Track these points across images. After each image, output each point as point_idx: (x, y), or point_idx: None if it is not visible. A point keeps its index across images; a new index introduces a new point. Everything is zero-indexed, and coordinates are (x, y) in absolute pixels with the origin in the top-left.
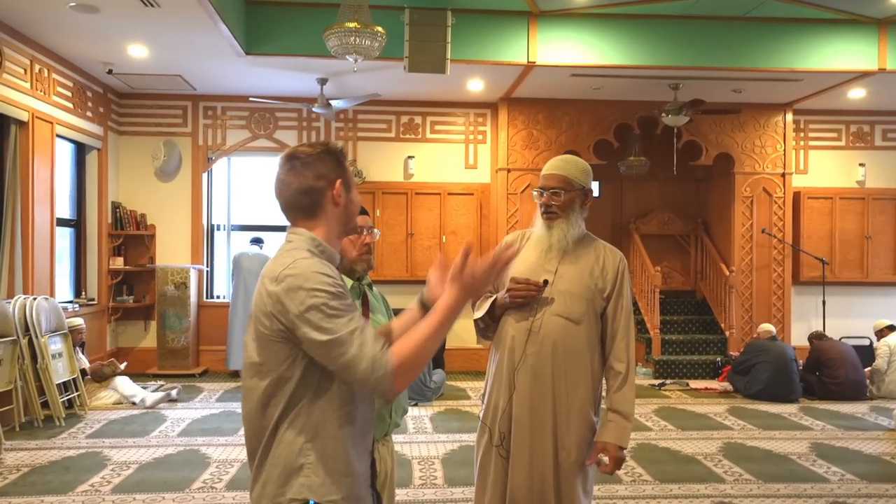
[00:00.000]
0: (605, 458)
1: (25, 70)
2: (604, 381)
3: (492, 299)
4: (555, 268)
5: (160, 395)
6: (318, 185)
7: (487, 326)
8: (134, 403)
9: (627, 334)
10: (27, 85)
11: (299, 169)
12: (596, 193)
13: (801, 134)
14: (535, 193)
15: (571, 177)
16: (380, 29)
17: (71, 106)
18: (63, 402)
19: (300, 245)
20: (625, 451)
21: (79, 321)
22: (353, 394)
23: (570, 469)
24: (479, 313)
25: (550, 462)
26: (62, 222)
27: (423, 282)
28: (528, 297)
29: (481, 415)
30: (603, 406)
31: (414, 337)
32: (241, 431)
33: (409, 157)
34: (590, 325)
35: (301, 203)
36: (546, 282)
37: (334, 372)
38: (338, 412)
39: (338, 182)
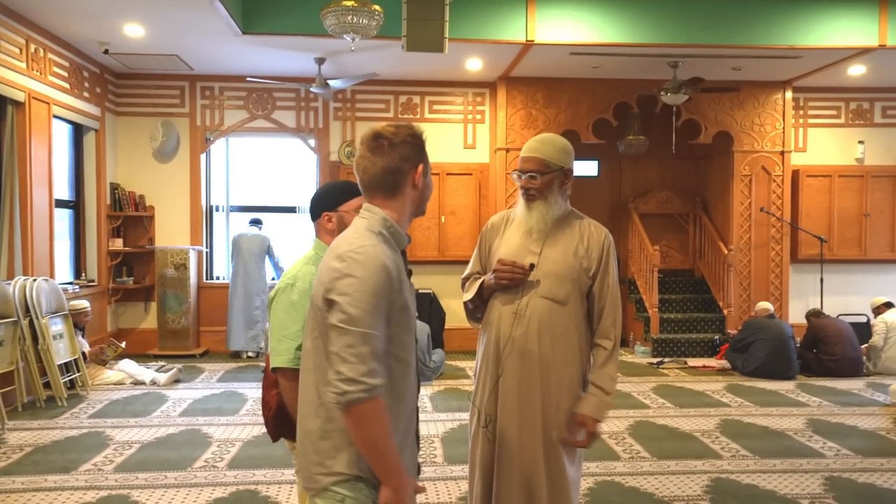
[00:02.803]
0: (582, 432)
1: (21, 50)
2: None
3: (480, 281)
4: (539, 249)
5: (171, 372)
6: (404, 167)
7: (476, 308)
8: (144, 383)
9: (614, 311)
10: (23, 65)
11: (386, 149)
12: (595, 172)
13: (801, 112)
14: (514, 176)
15: (548, 158)
16: (377, 7)
17: (67, 86)
18: (65, 382)
19: (372, 226)
20: (600, 425)
21: (84, 303)
22: (406, 382)
23: (560, 446)
24: (468, 295)
25: (540, 440)
26: (61, 203)
27: (421, 262)
28: (514, 281)
29: (472, 396)
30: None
31: (384, 435)
32: (243, 411)
33: None
34: (576, 304)
35: (385, 182)
36: (532, 265)
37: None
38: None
39: (420, 166)
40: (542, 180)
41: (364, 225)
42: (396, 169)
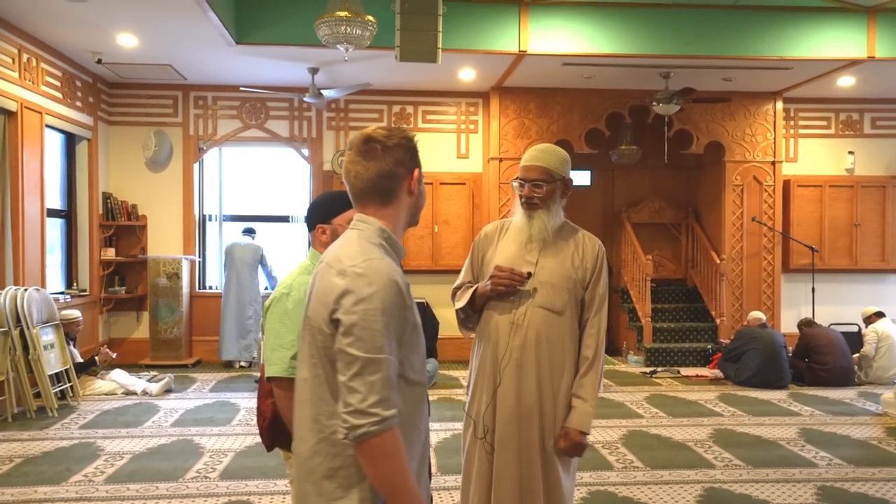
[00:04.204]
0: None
1: (13, 59)
2: None
3: (472, 289)
4: (535, 259)
5: (162, 382)
6: (398, 172)
7: (468, 317)
8: (135, 394)
9: (598, 321)
10: (15, 74)
11: (380, 153)
12: (588, 182)
13: (791, 122)
14: (515, 185)
15: (552, 168)
16: (370, 18)
17: (60, 96)
18: (55, 392)
19: (370, 237)
20: (587, 437)
21: (76, 313)
22: (419, 406)
23: (557, 456)
24: (461, 304)
25: (538, 451)
26: (53, 213)
27: (414, 271)
28: (511, 287)
29: (466, 407)
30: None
31: (401, 470)
32: (235, 421)
33: None
34: (572, 314)
35: (379, 188)
36: (530, 273)
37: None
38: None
39: (416, 171)
40: (547, 189)
41: (362, 237)
42: (391, 174)
